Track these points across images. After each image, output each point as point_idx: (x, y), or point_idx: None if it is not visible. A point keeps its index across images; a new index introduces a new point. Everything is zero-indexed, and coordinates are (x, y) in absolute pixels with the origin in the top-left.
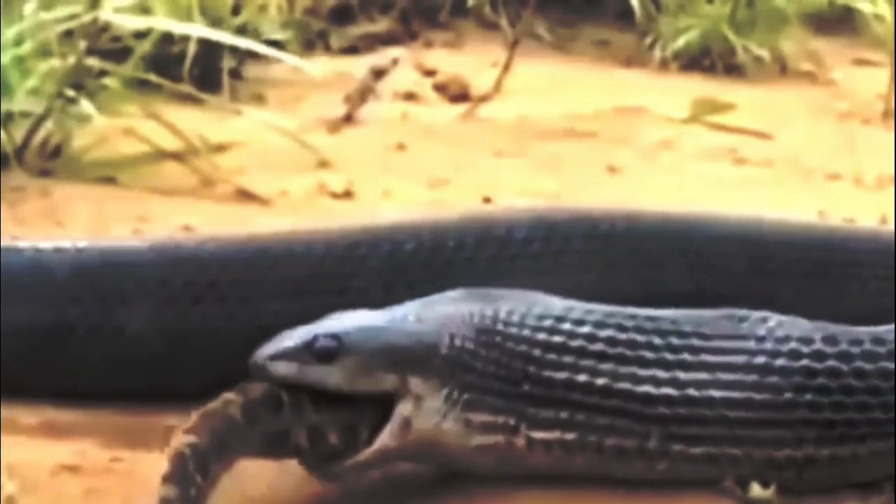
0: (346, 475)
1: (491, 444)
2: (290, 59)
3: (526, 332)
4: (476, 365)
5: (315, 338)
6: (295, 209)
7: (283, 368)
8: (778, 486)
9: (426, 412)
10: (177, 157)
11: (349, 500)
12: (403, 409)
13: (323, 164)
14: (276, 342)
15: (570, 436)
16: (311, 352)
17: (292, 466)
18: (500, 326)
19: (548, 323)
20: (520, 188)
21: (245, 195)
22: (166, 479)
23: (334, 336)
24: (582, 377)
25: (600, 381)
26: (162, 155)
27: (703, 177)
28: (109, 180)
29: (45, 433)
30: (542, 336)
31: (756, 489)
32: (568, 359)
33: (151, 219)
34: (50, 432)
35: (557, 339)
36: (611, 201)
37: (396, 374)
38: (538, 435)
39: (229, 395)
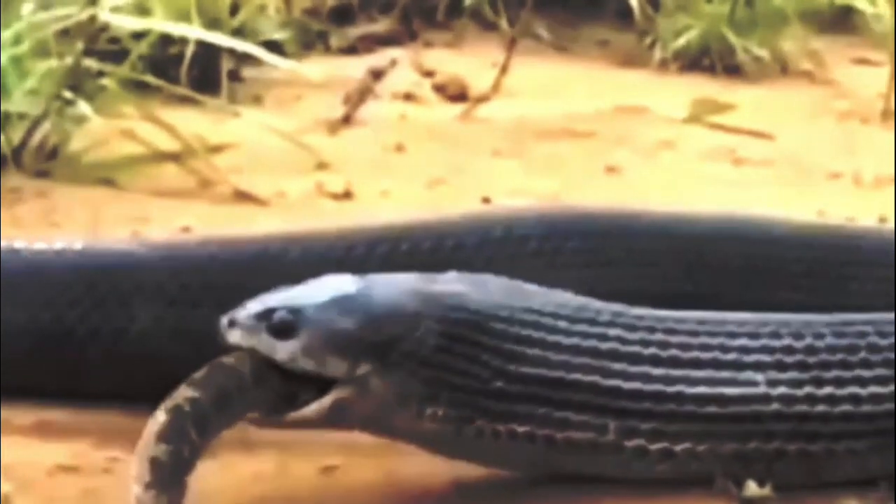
0: (288, 426)
1: (440, 431)
2: (285, 63)
3: (499, 326)
4: (438, 360)
5: (272, 310)
6: (293, 210)
7: (235, 337)
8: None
9: (371, 400)
10: (175, 158)
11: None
12: (341, 392)
13: (321, 164)
14: (243, 307)
15: (523, 428)
16: (266, 324)
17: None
18: (471, 318)
19: (524, 317)
20: (518, 188)
21: (243, 196)
22: (160, 437)
23: (292, 311)
24: (554, 373)
25: (571, 376)
26: (160, 156)
27: (703, 177)
28: (107, 182)
29: (41, 433)
30: (516, 330)
31: (752, 488)
32: (538, 353)
33: (149, 220)
34: (47, 432)
35: (533, 333)
36: (610, 201)
37: (346, 361)
38: (492, 427)
39: (240, 353)
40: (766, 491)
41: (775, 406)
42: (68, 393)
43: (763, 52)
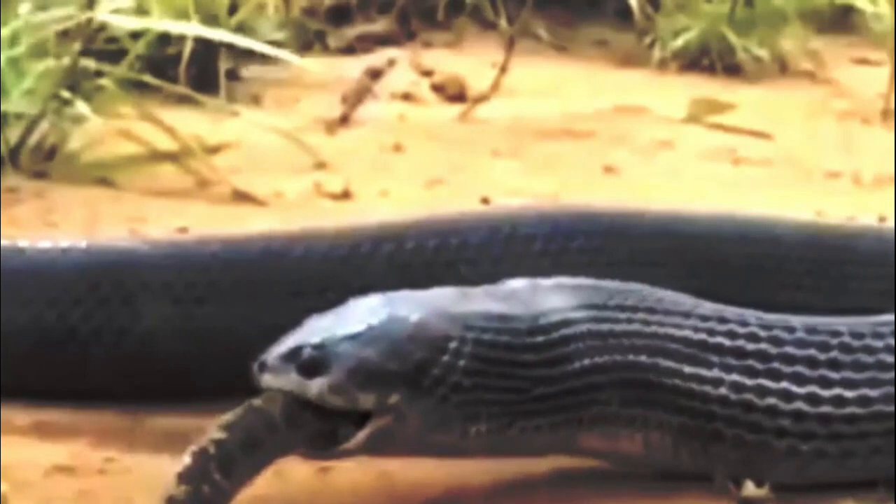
0: (337, 457)
1: (484, 443)
2: (286, 56)
3: (528, 340)
4: (471, 378)
5: (300, 349)
6: (291, 210)
7: (267, 380)
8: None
9: (410, 426)
10: (173, 158)
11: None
12: (377, 423)
13: (320, 164)
14: (275, 347)
15: (559, 417)
16: (294, 364)
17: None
18: (501, 338)
19: (554, 319)
20: (517, 188)
21: (241, 196)
22: (181, 477)
23: (318, 347)
24: (582, 362)
25: (593, 361)
26: (158, 156)
27: (702, 177)
28: (105, 182)
29: (40, 433)
30: (548, 337)
31: (750, 487)
32: (564, 350)
33: (147, 220)
34: (44, 433)
35: (563, 332)
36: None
37: (376, 394)
38: (530, 424)
39: (271, 393)
40: (765, 491)
41: (723, 390)
42: (72, 393)
43: (763, 52)
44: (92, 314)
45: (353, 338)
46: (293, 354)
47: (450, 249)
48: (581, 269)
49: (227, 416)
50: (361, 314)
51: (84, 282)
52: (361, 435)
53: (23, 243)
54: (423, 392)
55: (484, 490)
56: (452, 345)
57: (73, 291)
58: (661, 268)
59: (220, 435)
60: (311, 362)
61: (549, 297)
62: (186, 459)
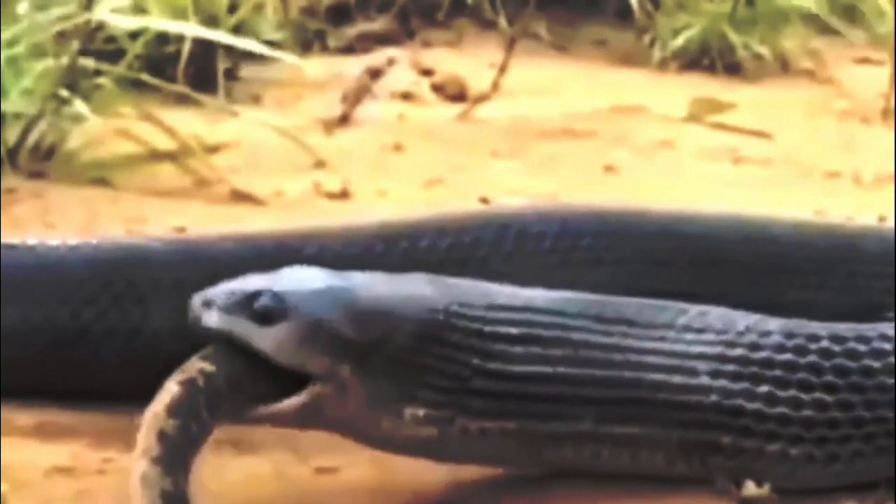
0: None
1: (423, 436)
2: (283, 56)
3: (473, 325)
4: (420, 361)
5: (256, 294)
6: (291, 210)
7: (214, 319)
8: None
9: (348, 401)
10: (171, 157)
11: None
12: (320, 389)
13: (319, 164)
14: (219, 288)
15: (509, 424)
16: (248, 308)
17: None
18: (449, 320)
19: (497, 315)
20: (517, 188)
21: (240, 196)
22: (171, 410)
23: (277, 298)
24: (526, 367)
25: (544, 369)
26: (156, 156)
27: (703, 176)
28: (103, 181)
29: (41, 434)
30: (488, 328)
31: (751, 487)
32: (515, 349)
33: (146, 220)
34: (44, 433)
35: (504, 329)
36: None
37: (329, 358)
38: (474, 425)
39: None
40: (765, 491)
41: (714, 398)
42: (81, 392)
43: (764, 51)
44: (104, 313)
45: (313, 296)
46: (248, 299)
47: (462, 248)
48: (590, 266)
49: (210, 349)
50: (316, 278)
51: (95, 280)
52: (299, 397)
53: (32, 241)
54: (370, 366)
55: (486, 490)
56: (399, 323)
57: (85, 290)
58: (667, 266)
59: (207, 366)
60: (266, 311)
61: (521, 297)
62: (175, 388)
